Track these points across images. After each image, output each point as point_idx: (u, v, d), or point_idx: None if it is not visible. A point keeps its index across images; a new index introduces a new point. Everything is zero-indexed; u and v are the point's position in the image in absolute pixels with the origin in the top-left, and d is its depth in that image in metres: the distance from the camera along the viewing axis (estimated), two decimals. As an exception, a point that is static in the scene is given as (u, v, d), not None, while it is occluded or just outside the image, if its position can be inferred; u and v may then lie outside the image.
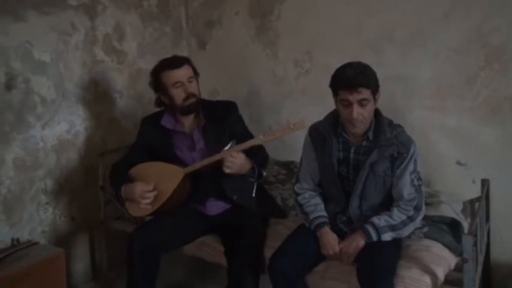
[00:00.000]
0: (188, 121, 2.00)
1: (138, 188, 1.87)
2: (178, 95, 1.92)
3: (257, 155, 1.88)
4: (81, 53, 2.35)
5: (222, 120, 1.97)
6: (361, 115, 1.62)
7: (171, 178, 1.88)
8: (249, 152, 1.84)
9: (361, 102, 1.61)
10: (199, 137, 1.97)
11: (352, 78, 1.59)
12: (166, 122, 2.00)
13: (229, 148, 1.80)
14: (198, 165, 1.87)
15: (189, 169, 1.88)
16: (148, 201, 1.87)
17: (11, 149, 2.09)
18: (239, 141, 1.92)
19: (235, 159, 1.77)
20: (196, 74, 2.00)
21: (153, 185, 1.88)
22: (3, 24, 2.03)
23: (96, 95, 2.45)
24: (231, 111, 2.02)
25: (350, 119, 1.63)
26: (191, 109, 1.95)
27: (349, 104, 1.61)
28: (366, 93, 1.60)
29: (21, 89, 2.11)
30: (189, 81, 1.94)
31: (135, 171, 1.96)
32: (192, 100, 1.93)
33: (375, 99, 1.66)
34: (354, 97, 1.60)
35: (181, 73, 1.92)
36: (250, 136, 2.00)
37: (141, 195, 1.86)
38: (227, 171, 1.78)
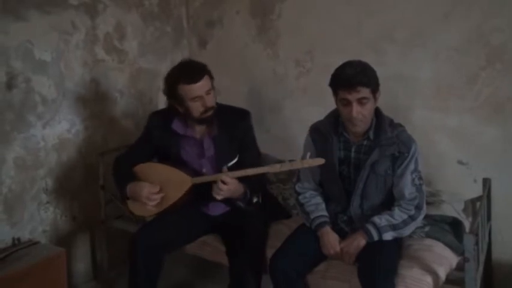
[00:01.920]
0: (200, 127, 1.94)
1: (145, 189, 1.84)
2: (196, 108, 1.84)
3: (253, 178, 1.81)
4: (81, 52, 2.35)
5: (234, 128, 1.92)
6: (360, 114, 1.62)
7: (179, 185, 1.85)
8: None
9: (361, 101, 1.61)
10: (210, 145, 1.93)
11: (352, 78, 1.59)
12: (177, 127, 1.94)
13: (229, 171, 1.75)
14: (207, 179, 1.83)
15: (198, 180, 1.84)
16: (154, 203, 1.85)
17: (11, 149, 2.09)
18: (243, 154, 1.91)
19: (224, 186, 1.72)
20: (211, 78, 1.91)
21: (159, 187, 1.86)
22: (4, 23, 2.02)
23: (97, 95, 2.44)
24: (243, 120, 1.96)
25: (350, 118, 1.63)
26: (207, 121, 1.89)
27: (349, 103, 1.61)
28: (365, 92, 1.60)
29: (22, 89, 2.11)
30: (208, 94, 1.85)
31: (141, 170, 1.93)
32: (210, 113, 1.86)
33: (375, 98, 1.66)
34: (353, 96, 1.60)
35: (200, 87, 1.82)
36: (255, 148, 1.99)
37: (148, 197, 1.84)
38: (218, 197, 1.74)
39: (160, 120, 1.99)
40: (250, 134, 1.99)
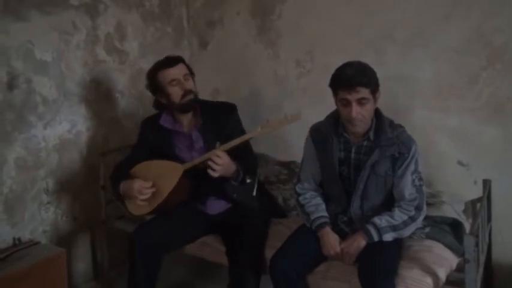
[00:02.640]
0: (187, 120, 1.99)
1: (136, 184, 1.86)
2: (175, 92, 1.92)
3: (245, 159, 1.86)
4: (82, 52, 2.35)
5: (221, 121, 1.96)
6: (360, 114, 1.62)
7: (170, 174, 1.87)
8: (237, 156, 1.82)
9: (360, 101, 1.61)
10: (198, 137, 1.97)
11: (351, 78, 1.59)
12: (165, 121, 2.00)
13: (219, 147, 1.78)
14: (195, 161, 1.85)
15: (187, 165, 1.87)
16: (145, 197, 1.86)
17: (12, 149, 2.09)
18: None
19: (219, 160, 1.73)
20: (191, 73, 1.99)
21: (151, 182, 1.87)
22: (4, 23, 2.03)
23: (98, 95, 2.45)
24: (230, 113, 2.00)
25: (349, 118, 1.63)
26: (189, 106, 1.95)
27: (348, 103, 1.62)
28: (364, 93, 1.60)
29: (23, 89, 2.11)
30: (185, 79, 1.94)
31: (135, 170, 1.96)
32: (190, 97, 1.93)
33: (375, 99, 1.66)
34: (352, 96, 1.60)
35: (177, 71, 1.92)
36: (246, 143, 1.99)
37: (139, 191, 1.85)
38: (214, 175, 1.75)
39: (151, 123, 2.05)
40: (238, 127, 2.01)
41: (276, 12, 2.58)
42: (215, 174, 1.76)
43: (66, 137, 2.32)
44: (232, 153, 1.80)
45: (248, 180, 1.89)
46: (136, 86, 2.64)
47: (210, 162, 1.75)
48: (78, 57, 2.34)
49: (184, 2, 2.90)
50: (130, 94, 2.62)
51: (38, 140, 2.19)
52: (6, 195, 2.08)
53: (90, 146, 2.42)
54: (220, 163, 1.74)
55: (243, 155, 1.86)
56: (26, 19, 2.10)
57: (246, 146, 1.92)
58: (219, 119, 1.96)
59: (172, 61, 1.95)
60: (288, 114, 1.70)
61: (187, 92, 1.92)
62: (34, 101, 2.16)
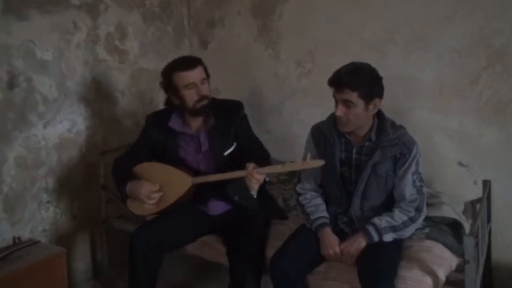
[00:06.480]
0: (196, 122, 1.97)
1: (145, 188, 1.85)
2: (190, 96, 1.88)
3: (260, 156, 1.85)
4: (83, 52, 2.35)
5: (228, 120, 1.95)
6: (345, 116, 1.62)
7: (178, 184, 1.86)
8: (251, 152, 1.84)
9: (346, 104, 1.61)
10: (205, 139, 1.95)
11: (340, 77, 1.60)
12: (174, 123, 1.96)
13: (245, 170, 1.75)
14: (208, 178, 1.84)
15: (197, 180, 1.85)
16: (153, 201, 1.86)
17: (13, 148, 2.09)
18: (243, 142, 1.92)
19: (260, 180, 1.73)
20: (208, 75, 1.96)
21: (158, 186, 1.87)
22: (6, 23, 2.03)
23: (98, 94, 2.45)
24: (237, 110, 1.99)
25: (336, 116, 1.65)
26: (202, 111, 1.92)
27: (336, 101, 1.63)
28: (350, 95, 1.58)
29: (23, 88, 2.11)
30: (202, 83, 1.90)
31: (141, 170, 1.94)
32: (204, 102, 1.89)
33: (367, 105, 1.62)
34: (338, 96, 1.61)
35: (195, 75, 1.88)
36: (254, 138, 2.01)
37: (148, 195, 1.85)
38: (253, 193, 1.75)
39: (157, 120, 2.02)
40: (244, 125, 2.01)
41: (277, 13, 2.58)
42: (253, 193, 1.76)
43: (66, 136, 2.32)
44: (244, 147, 1.83)
45: (267, 179, 1.87)
46: (137, 86, 2.64)
47: (251, 184, 1.72)
48: (79, 56, 2.33)
49: (185, 1, 2.90)
50: (131, 93, 2.62)
51: (38, 139, 2.19)
52: (6, 194, 2.08)
53: (90, 145, 2.42)
54: (260, 184, 1.73)
55: (255, 148, 1.87)
56: (27, 18, 2.10)
57: (258, 148, 1.95)
58: (226, 119, 1.94)
59: (190, 64, 1.89)
60: (311, 161, 1.66)
61: (202, 98, 1.88)
62: (34, 100, 2.16)
